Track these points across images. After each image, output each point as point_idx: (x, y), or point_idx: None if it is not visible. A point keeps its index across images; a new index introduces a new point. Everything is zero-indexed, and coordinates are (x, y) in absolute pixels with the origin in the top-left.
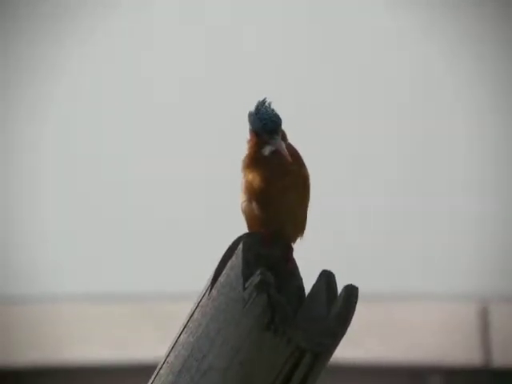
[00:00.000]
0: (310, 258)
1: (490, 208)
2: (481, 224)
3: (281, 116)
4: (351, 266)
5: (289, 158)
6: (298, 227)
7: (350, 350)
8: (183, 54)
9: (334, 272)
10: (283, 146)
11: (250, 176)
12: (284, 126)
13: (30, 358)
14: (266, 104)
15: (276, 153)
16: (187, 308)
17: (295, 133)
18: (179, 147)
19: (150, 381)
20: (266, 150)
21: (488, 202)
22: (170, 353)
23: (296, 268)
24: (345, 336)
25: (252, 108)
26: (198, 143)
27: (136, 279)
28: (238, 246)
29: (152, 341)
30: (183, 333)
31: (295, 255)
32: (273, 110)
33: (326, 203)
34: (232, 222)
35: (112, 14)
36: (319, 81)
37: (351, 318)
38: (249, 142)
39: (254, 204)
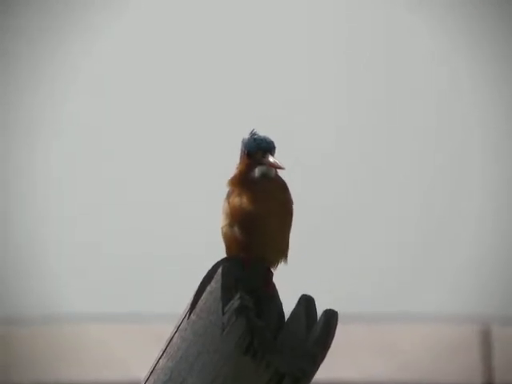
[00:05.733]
0: (300, 282)
1: (492, 226)
2: (482, 243)
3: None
4: (348, 286)
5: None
6: (280, 252)
7: (346, 369)
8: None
9: (324, 294)
10: (276, 160)
11: (236, 200)
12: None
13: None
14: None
15: (267, 171)
16: None
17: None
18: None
19: None
20: (257, 172)
21: (489, 215)
22: (149, 377)
23: (276, 292)
24: (342, 355)
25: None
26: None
27: (140, 300)
28: (217, 270)
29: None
30: (162, 357)
31: (275, 279)
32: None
33: (321, 222)
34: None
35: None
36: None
37: (331, 342)
38: (238, 165)
39: (236, 228)
